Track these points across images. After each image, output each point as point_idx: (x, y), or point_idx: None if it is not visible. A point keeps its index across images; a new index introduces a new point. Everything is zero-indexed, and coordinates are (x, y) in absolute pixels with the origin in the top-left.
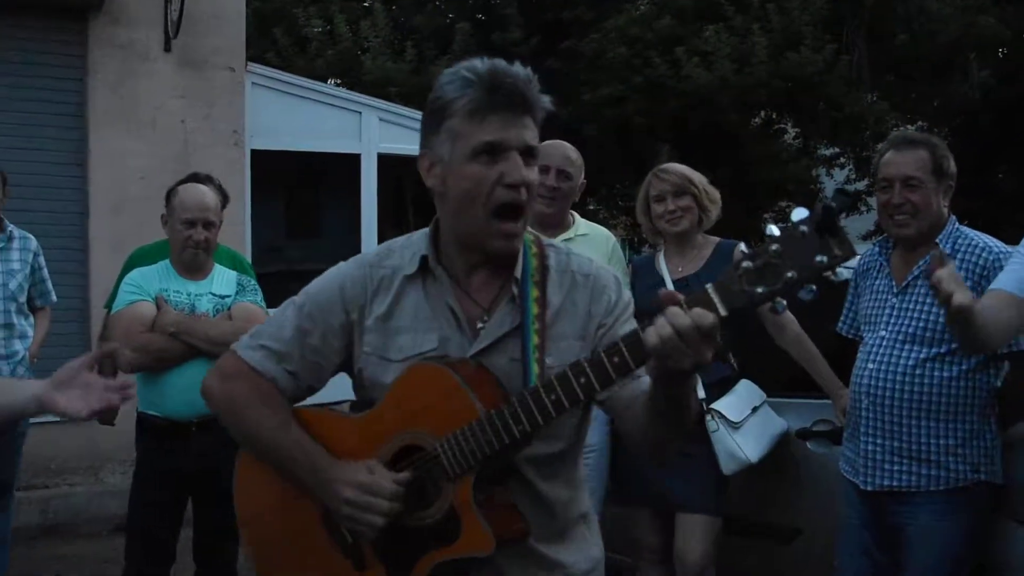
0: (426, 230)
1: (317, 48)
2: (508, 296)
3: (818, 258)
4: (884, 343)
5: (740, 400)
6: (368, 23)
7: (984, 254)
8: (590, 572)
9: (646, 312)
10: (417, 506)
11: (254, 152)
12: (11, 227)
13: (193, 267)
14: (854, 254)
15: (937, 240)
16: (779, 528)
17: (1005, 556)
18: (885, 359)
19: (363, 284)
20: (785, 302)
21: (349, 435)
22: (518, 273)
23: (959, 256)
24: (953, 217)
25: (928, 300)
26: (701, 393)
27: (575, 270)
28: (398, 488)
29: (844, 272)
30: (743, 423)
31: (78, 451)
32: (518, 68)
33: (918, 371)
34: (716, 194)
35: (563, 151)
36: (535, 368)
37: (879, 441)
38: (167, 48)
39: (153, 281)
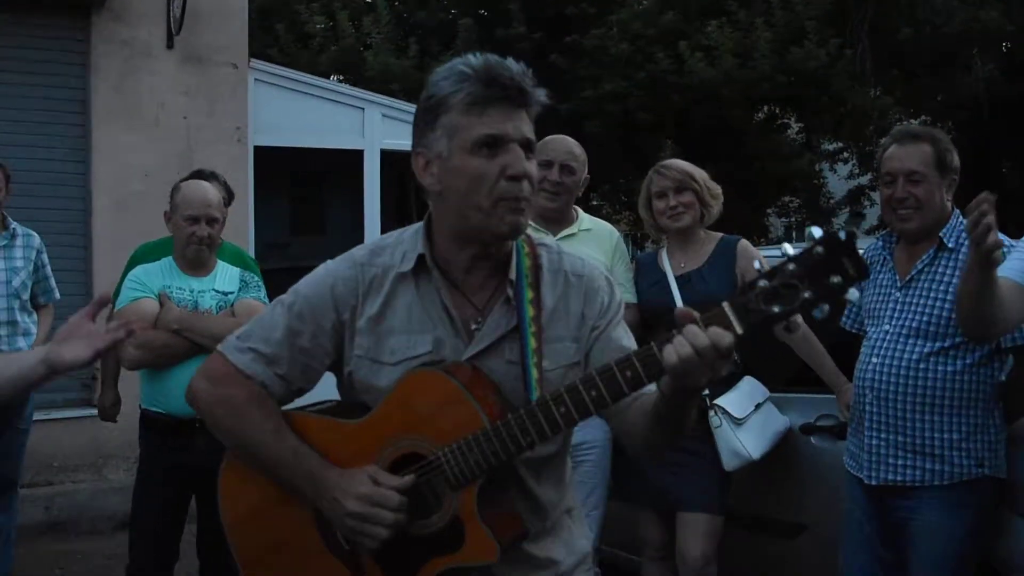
0: (417, 227)
1: (320, 44)
2: (503, 297)
3: (834, 279)
4: (888, 337)
5: (743, 396)
6: (371, 19)
7: None
8: (579, 565)
9: (650, 308)
10: (417, 514)
11: (257, 149)
12: (14, 224)
13: (196, 264)
14: (867, 276)
15: (941, 234)
16: (783, 524)
17: (1009, 550)
18: (889, 353)
19: (354, 284)
20: (800, 320)
21: (345, 441)
22: (512, 275)
23: (963, 250)
24: (957, 211)
25: (932, 294)
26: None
27: (568, 270)
28: (403, 499)
29: (855, 293)
30: (746, 419)
31: (82, 448)
32: (512, 62)
33: (922, 365)
34: (718, 190)
35: (567, 146)
36: (534, 372)
37: (883, 436)
38: (170, 45)
39: (156, 278)
